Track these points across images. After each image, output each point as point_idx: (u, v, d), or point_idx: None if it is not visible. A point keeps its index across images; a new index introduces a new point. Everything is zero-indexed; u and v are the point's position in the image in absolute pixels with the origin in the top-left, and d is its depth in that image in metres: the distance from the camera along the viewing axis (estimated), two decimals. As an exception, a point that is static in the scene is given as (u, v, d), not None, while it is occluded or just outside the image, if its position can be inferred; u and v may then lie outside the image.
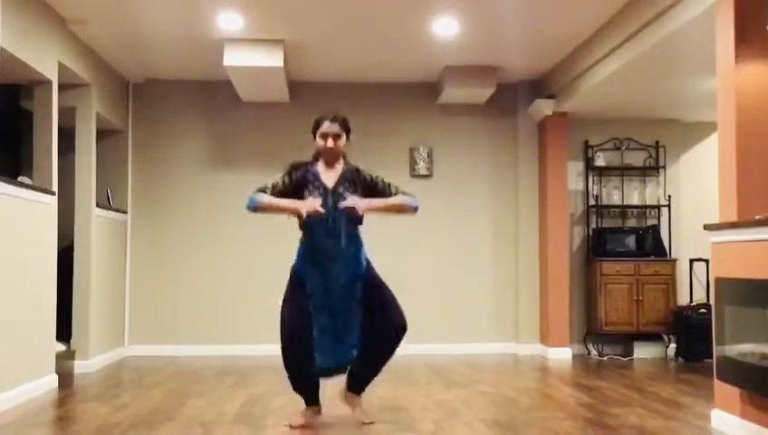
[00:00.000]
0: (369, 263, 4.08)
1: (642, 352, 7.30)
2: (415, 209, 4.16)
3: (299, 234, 4.08)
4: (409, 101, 7.61)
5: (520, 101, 7.59)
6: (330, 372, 4.05)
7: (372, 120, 7.38)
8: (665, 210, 7.64)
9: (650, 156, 7.68)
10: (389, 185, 4.12)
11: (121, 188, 7.29)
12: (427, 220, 7.19)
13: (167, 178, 7.43)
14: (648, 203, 7.63)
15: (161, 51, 6.53)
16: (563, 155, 7.39)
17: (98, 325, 6.39)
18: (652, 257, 7.32)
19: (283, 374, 4.05)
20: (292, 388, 4.09)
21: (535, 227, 7.56)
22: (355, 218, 4.00)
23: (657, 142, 7.67)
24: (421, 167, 7.58)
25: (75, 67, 5.90)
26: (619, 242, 7.38)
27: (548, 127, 7.36)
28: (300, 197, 3.98)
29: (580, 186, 7.67)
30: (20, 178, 5.27)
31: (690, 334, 6.94)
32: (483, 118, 7.63)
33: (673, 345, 7.26)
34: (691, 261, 7.51)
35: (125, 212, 7.30)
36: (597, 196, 7.60)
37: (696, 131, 7.75)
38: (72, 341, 6.15)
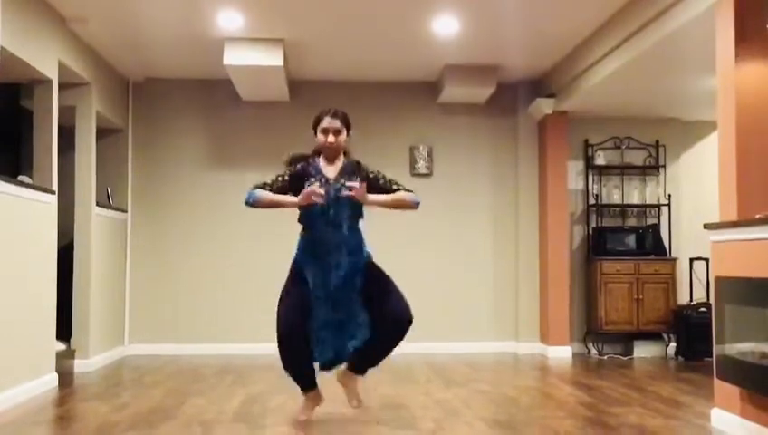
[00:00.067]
0: (369, 255, 4.06)
1: (642, 351, 7.30)
2: (416, 205, 4.14)
3: (298, 234, 4.08)
4: (409, 100, 7.61)
5: (520, 100, 7.59)
6: (329, 365, 4.03)
7: (372, 119, 7.38)
8: (665, 209, 7.64)
9: (650, 155, 7.68)
10: (391, 181, 4.11)
11: (121, 187, 7.29)
12: (426, 219, 7.20)
13: (167, 177, 7.43)
14: (648, 202, 7.63)
15: (161, 50, 6.52)
16: (563, 154, 7.39)
17: (98, 324, 6.39)
18: (652, 256, 7.32)
19: (282, 373, 4.04)
20: (287, 374, 4.04)
21: (535, 226, 7.56)
22: (357, 203, 3.95)
23: (658, 141, 7.67)
24: (421, 166, 7.57)
25: (75, 66, 5.90)
26: (619, 241, 7.38)
27: (548, 126, 7.36)
28: (300, 190, 3.92)
29: (581, 185, 7.67)
30: (20, 178, 5.27)
31: (690, 333, 6.94)
32: (483, 117, 7.63)
33: (673, 344, 7.26)
34: (691, 260, 7.50)
35: (125, 211, 7.30)
36: (597, 195, 7.60)
37: (696, 130, 7.75)
38: (72, 340, 6.15)
